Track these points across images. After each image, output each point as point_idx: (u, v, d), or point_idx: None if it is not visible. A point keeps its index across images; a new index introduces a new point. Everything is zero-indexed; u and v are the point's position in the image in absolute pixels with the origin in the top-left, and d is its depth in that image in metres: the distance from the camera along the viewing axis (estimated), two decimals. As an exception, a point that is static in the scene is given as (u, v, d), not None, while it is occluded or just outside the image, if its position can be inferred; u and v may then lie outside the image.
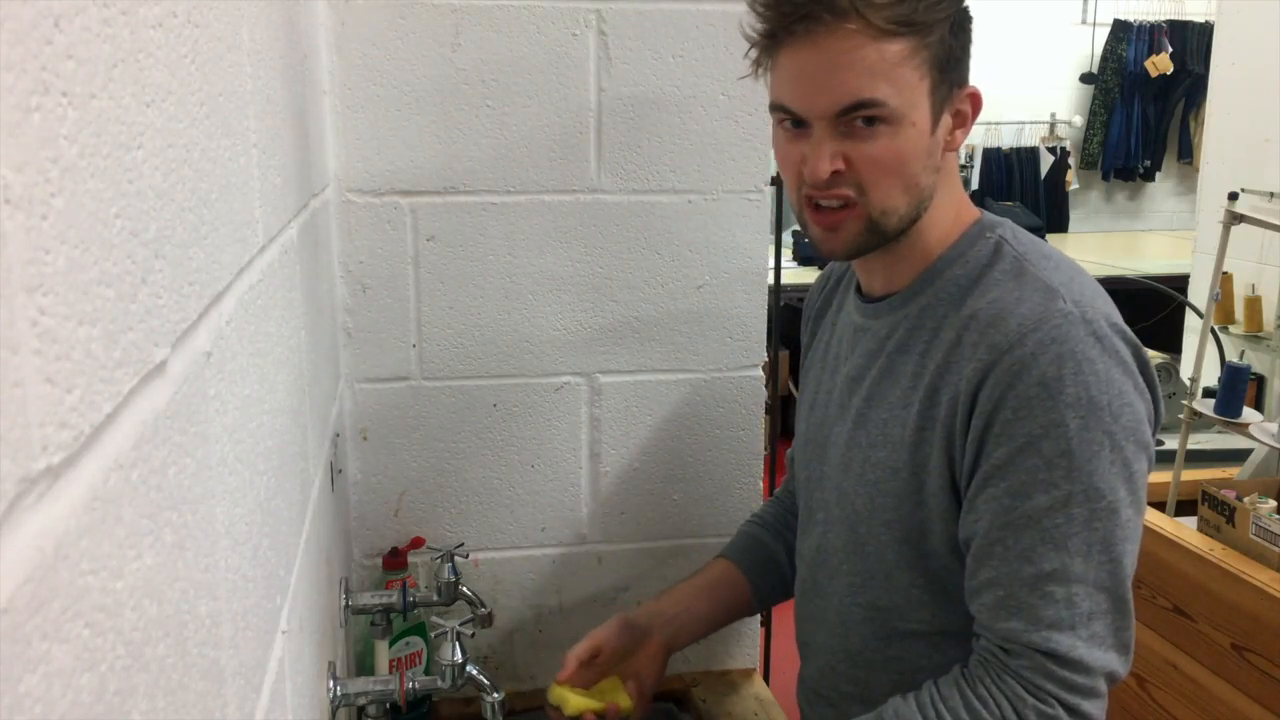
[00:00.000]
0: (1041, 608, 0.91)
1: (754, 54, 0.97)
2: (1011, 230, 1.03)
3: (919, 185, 0.97)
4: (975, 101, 0.99)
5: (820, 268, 1.21)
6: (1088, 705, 0.92)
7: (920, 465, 0.99)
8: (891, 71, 0.91)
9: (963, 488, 0.96)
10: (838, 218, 0.97)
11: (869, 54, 0.90)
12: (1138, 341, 0.96)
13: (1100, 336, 0.92)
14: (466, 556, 1.38)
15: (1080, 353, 0.90)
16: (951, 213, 1.02)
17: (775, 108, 0.98)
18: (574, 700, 1.14)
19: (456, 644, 1.12)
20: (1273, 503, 1.90)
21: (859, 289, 1.11)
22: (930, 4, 0.91)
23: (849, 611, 1.10)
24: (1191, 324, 3.52)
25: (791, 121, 0.96)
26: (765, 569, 1.28)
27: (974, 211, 1.05)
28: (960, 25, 0.95)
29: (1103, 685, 0.94)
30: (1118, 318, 0.96)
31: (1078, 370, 0.90)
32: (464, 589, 1.28)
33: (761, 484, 1.55)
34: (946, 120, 0.97)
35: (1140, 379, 0.94)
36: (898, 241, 1.00)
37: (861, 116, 0.92)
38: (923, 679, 1.02)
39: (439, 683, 1.12)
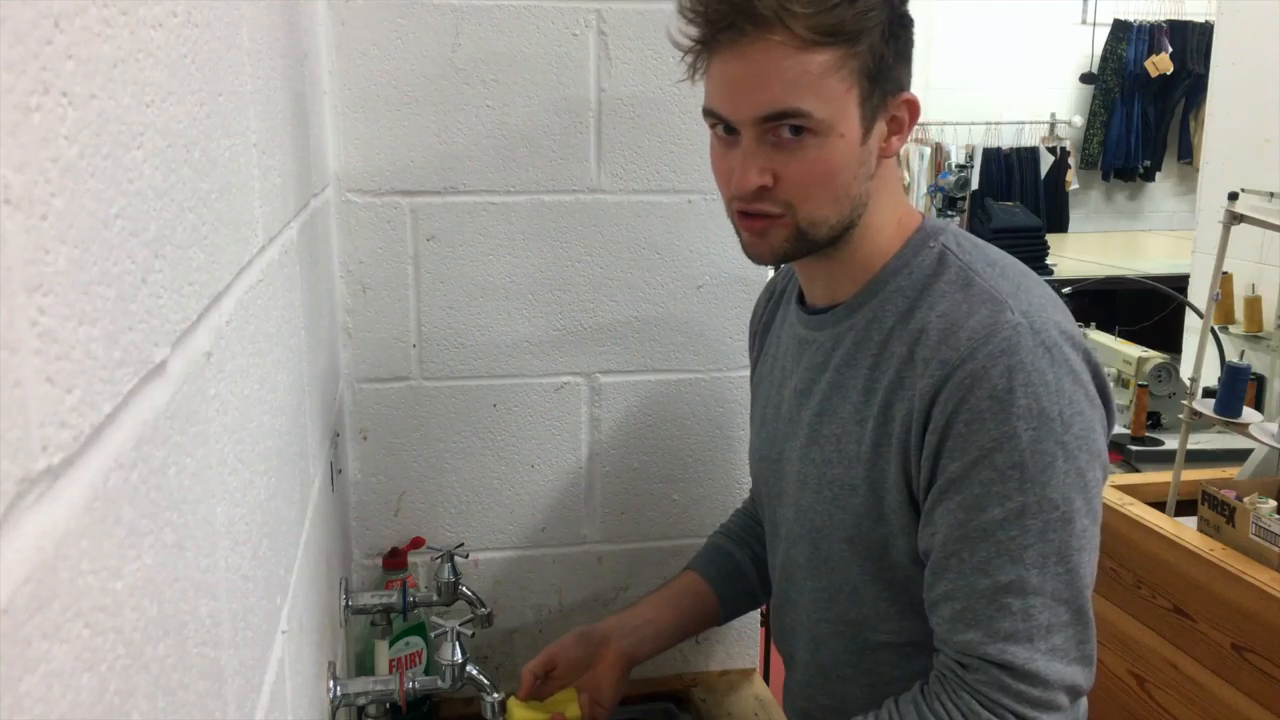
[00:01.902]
0: (998, 619, 0.91)
1: (689, 59, 0.96)
2: (954, 237, 1.02)
3: (850, 195, 0.96)
4: (912, 108, 0.97)
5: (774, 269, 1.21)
6: (1046, 718, 0.92)
7: (878, 481, 0.98)
8: (816, 82, 0.90)
9: (920, 502, 0.96)
10: (764, 224, 0.97)
11: (793, 64, 0.89)
12: (1089, 348, 0.96)
13: (1050, 346, 0.91)
14: (466, 556, 1.38)
15: (1030, 364, 0.90)
16: (893, 220, 1.01)
17: (706, 113, 0.97)
18: (519, 714, 1.14)
19: (456, 644, 1.12)
20: (1273, 503, 1.90)
21: (801, 300, 1.10)
22: (859, 13, 0.89)
23: (819, 626, 1.09)
24: (1191, 324, 3.52)
25: (724, 128, 0.96)
26: (731, 579, 1.27)
27: (915, 218, 1.04)
28: (894, 32, 0.93)
29: (1063, 699, 0.93)
30: (1069, 324, 0.96)
31: (1028, 382, 0.89)
32: (464, 589, 1.28)
33: (761, 484, 1.55)
34: (881, 128, 0.96)
35: (1092, 387, 0.94)
36: (836, 249, 0.99)
37: (788, 125, 0.91)
38: (895, 690, 1.01)
39: (439, 683, 1.12)
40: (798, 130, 0.91)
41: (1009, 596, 0.91)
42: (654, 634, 1.22)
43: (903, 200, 1.04)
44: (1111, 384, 1.00)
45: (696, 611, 1.26)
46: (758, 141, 0.93)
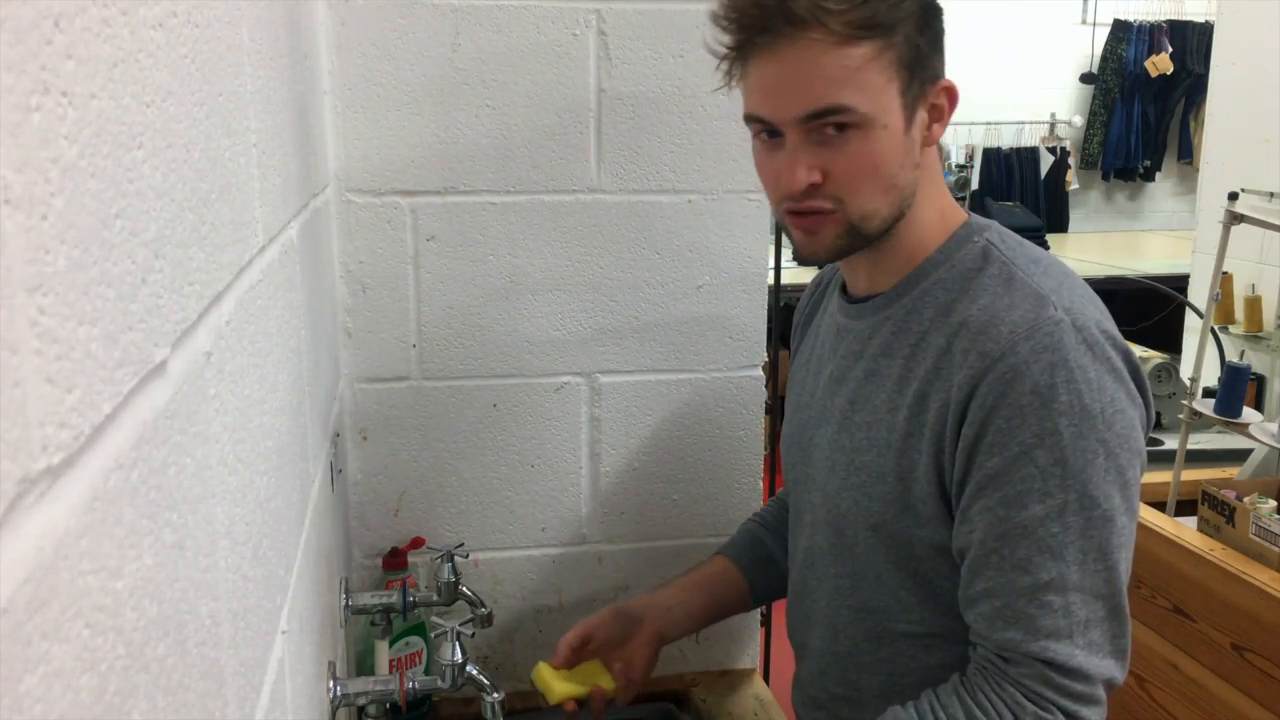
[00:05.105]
0: (1039, 617, 0.91)
1: (724, 66, 0.97)
2: (999, 233, 1.02)
3: (898, 185, 0.97)
4: (950, 95, 0.98)
5: (819, 268, 1.22)
6: (1087, 712, 0.92)
7: (907, 470, 0.98)
8: (856, 76, 0.91)
9: (953, 496, 0.96)
10: (817, 222, 0.97)
11: (831, 61, 0.90)
12: (1128, 347, 0.96)
13: (1091, 344, 0.92)
14: (466, 556, 1.38)
15: (1072, 360, 0.90)
16: (936, 212, 1.02)
17: (749, 119, 0.98)
18: (558, 687, 1.15)
19: (456, 644, 1.12)
20: (1273, 503, 1.90)
21: (844, 289, 1.11)
22: (891, 5, 0.91)
23: (838, 613, 1.10)
24: (1191, 324, 3.52)
25: (767, 132, 0.97)
26: (763, 567, 1.28)
27: (961, 214, 1.04)
28: (926, 21, 0.94)
29: (1101, 692, 0.93)
30: (1109, 323, 0.96)
31: (1070, 378, 0.90)
32: (464, 589, 1.28)
33: (761, 484, 1.55)
34: (922, 117, 0.97)
35: (1132, 385, 0.94)
36: (881, 240, 1.00)
37: (832, 123, 0.92)
38: (912, 681, 1.01)
39: (439, 683, 1.12)
40: (841, 126, 0.93)
41: (1050, 594, 0.91)
42: (685, 615, 1.24)
43: (945, 193, 1.05)
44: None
45: (726, 598, 1.27)
46: (803, 140, 0.94)
